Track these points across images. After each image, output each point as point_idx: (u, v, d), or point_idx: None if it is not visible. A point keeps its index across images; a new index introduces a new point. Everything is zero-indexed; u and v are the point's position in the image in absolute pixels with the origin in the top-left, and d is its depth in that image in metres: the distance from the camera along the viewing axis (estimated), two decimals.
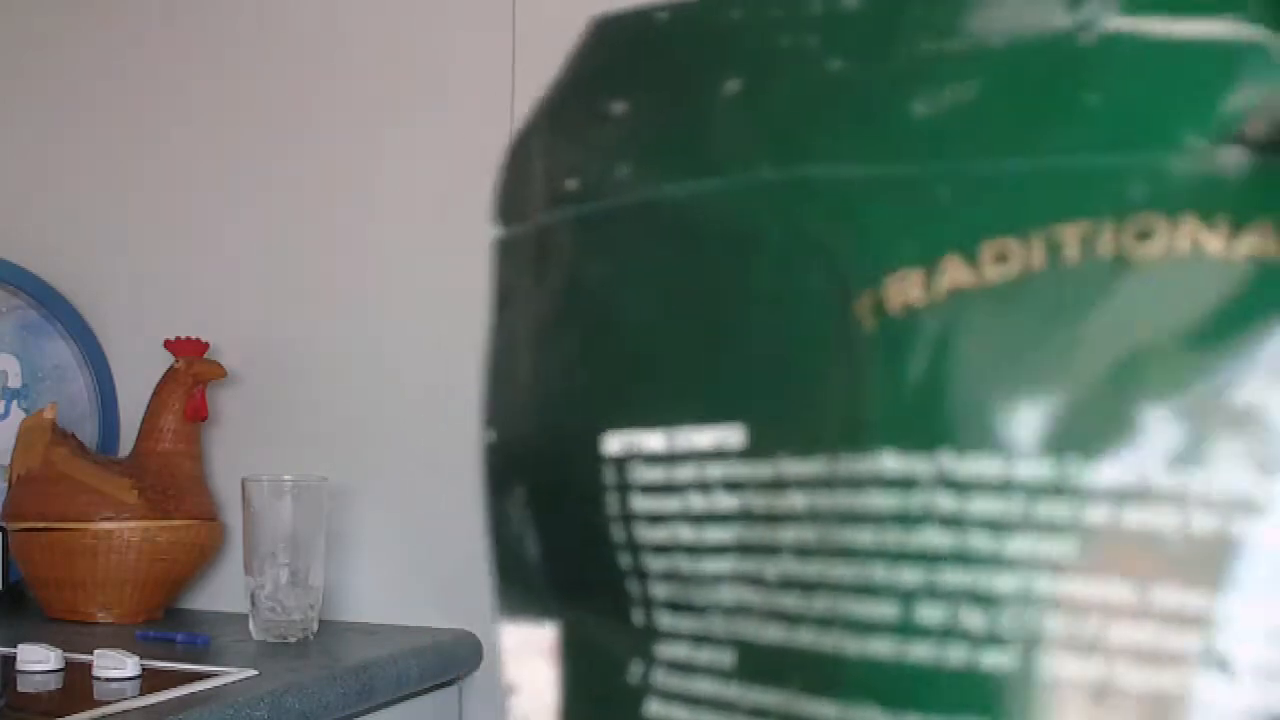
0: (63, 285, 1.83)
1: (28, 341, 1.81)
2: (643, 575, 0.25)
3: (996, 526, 0.21)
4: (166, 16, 1.84)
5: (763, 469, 0.23)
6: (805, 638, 0.22)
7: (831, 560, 0.22)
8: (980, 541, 0.21)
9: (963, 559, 0.21)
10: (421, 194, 1.71)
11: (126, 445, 1.78)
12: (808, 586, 0.22)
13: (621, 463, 0.25)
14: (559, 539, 0.26)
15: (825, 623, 0.21)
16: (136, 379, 1.78)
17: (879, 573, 0.21)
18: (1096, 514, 0.21)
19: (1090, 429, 0.21)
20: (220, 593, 1.76)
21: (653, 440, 0.24)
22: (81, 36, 1.88)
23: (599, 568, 0.25)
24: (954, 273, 0.21)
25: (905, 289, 0.21)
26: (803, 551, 0.22)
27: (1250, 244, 0.21)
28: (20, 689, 1.35)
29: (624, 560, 0.25)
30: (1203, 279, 0.21)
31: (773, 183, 0.22)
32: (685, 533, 0.24)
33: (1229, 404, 0.21)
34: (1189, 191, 0.21)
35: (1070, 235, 0.21)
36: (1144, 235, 0.21)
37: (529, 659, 0.26)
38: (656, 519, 0.24)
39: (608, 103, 0.25)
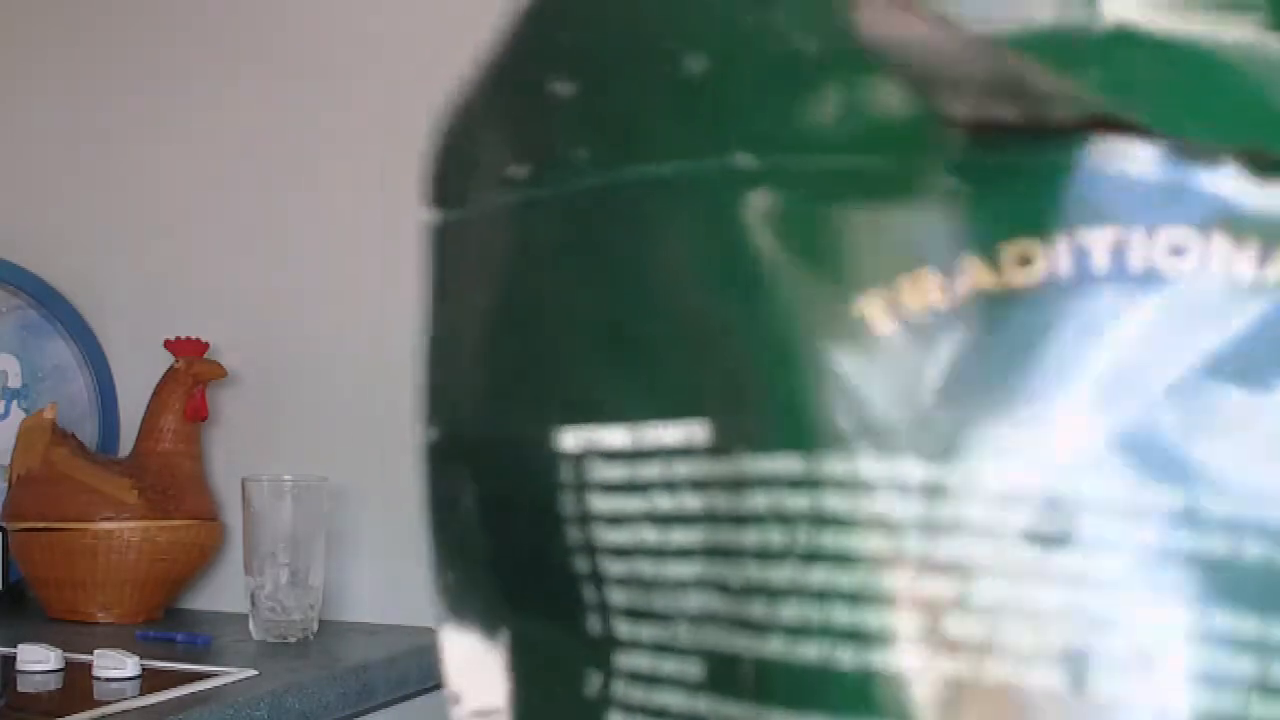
0: (63, 285, 1.83)
1: (28, 341, 1.81)
2: (600, 580, 0.23)
3: (995, 535, 0.20)
4: (167, 17, 1.84)
5: (727, 468, 0.21)
6: (774, 648, 0.21)
7: (803, 565, 0.20)
8: (981, 551, 0.20)
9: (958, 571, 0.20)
10: (424, 192, 1.70)
11: (126, 445, 1.78)
12: (773, 593, 0.21)
13: (579, 460, 0.23)
14: (509, 542, 0.25)
15: (796, 632, 0.20)
16: (136, 379, 1.78)
17: (861, 579, 0.20)
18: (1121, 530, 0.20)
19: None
20: (220, 593, 1.76)
21: (614, 436, 0.23)
22: (81, 36, 1.88)
23: (552, 572, 0.24)
24: (975, 274, 0.21)
25: (923, 291, 0.21)
26: (766, 555, 0.21)
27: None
28: (20, 689, 1.35)
29: (580, 564, 0.23)
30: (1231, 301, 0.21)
31: (746, 171, 0.22)
32: (649, 535, 0.23)
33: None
34: (1215, 208, 0.21)
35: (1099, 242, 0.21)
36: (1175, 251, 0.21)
37: (475, 670, 0.25)
38: (617, 520, 0.23)
39: (556, 82, 0.23)
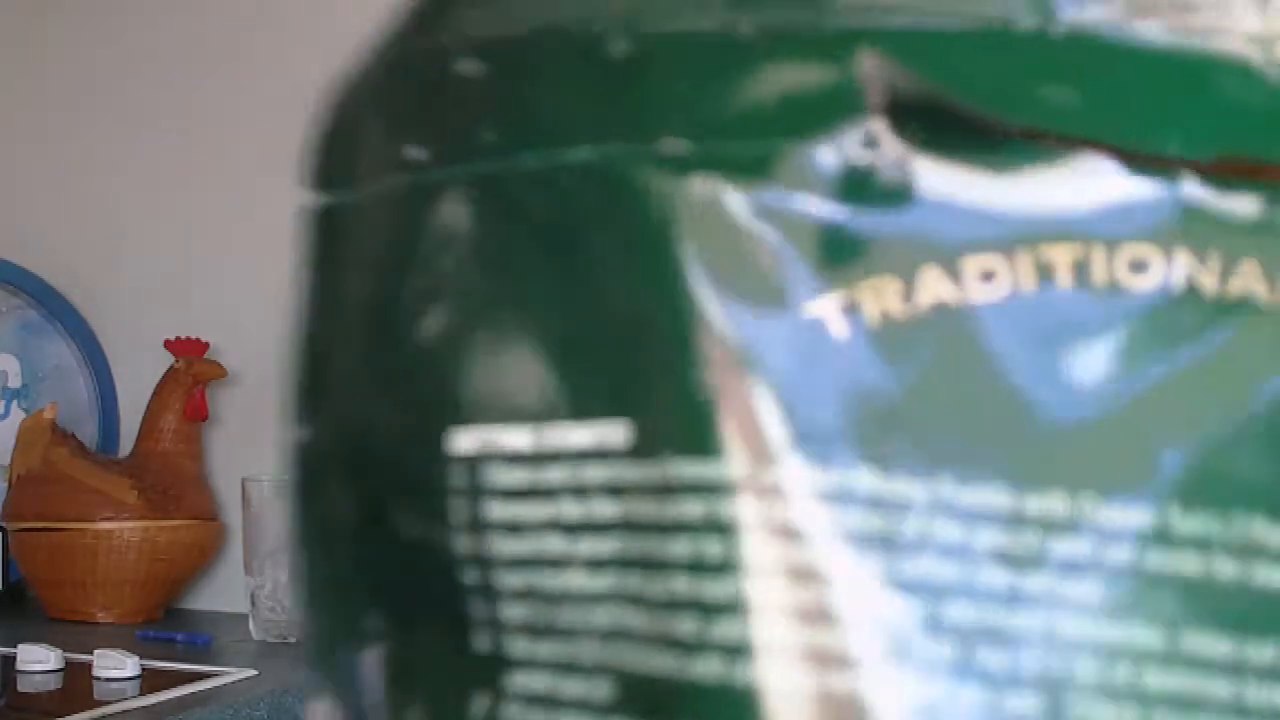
0: (63, 285, 1.83)
1: (28, 341, 1.81)
2: (493, 594, 0.21)
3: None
4: (167, 17, 1.84)
5: (651, 471, 0.20)
6: (702, 668, 0.19)
7: (742, 578, 0.19)
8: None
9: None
10: None
11: (126, 445, 1.78)
12: (705, 609, 0.19)
13: (473, 463, 0.21)
14: (385, 552, 0.23)
15: (734, 651, 0.19)
16: (136, 379, 1.78)
17: (815, 596, 0.19)
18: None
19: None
20: (220, 593, 1.76)
21: (515, 437, 0.21)
22: (80, 37, 1.88)
23: (435, 585, 0.22)
24: (935, 287, 0.20)
25: (882, 298, 0.20)
26: (700, 568, 0.19)
27: (1242, 284, 0.20)
28: (20, 689, 1.35)
29: (469, 576, 0.22)
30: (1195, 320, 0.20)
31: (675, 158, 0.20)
32: (554, 544, 0.21)
33: None
34: (1180, 222, 0.20)
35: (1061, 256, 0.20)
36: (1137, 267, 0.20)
37: (346, 697, 0.23)
38: (516, 528, 0.21)
39: (462, 61, 0.22)
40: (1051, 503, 0.19)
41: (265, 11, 1.79)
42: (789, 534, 0.19)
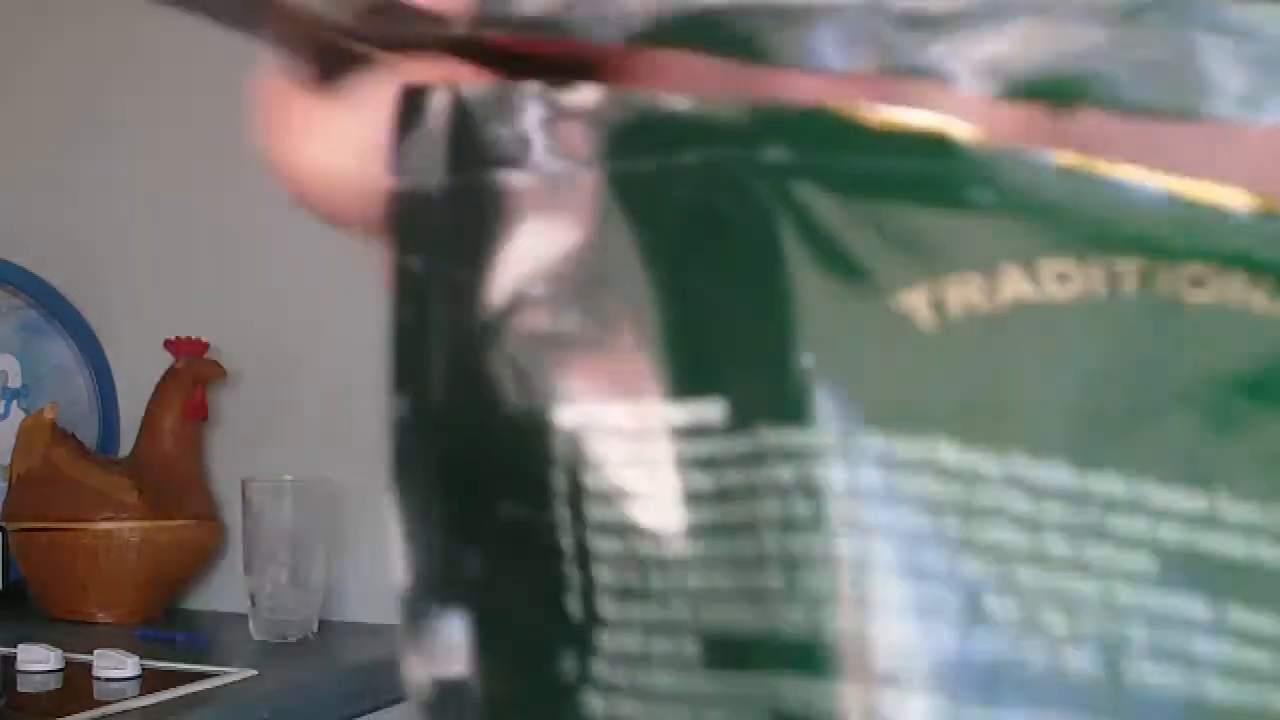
0: (63, 285, 1.83)
1: (28, 341, 1.81)
2: (585, 558, 0.23)
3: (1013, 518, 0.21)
4: (166, 18, 1.84)
5: (742, 443, 0.22)
6: (788, 618, 0.21)
7: (821, 534, 0.21)
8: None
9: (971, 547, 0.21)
10: None
11: (126, 445, 1.78)
12: (793, 563, 0.21)
13: (575, 436, 0.23)
14: (484, 521, 0.25)
15: (815, 601, 0.21)
16: (136, 379, 1.78)
17: (897, 554, 0.21)
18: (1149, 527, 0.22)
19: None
20: (220, 593, 1.76)
21: (616, 413, 0.23)
22: (81, 36, 1.88)
23: (530, 549, 0.24)
24: (1015, 284, 0.21)
25: (966, 292, 0.21)
26: (791, 527, 0.21)
27: None
28: (20, 689, 1.35)
29: (564, 542, 0.23)
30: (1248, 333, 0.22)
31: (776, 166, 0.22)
32: (650, 514, 0.22)
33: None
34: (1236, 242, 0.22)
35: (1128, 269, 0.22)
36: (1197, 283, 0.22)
37: (439, 643, 0.25)
38: (611, 498, 0.23)
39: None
40: (1111, 484, 0.21)
41: None
42: (871, 496, 0.21)
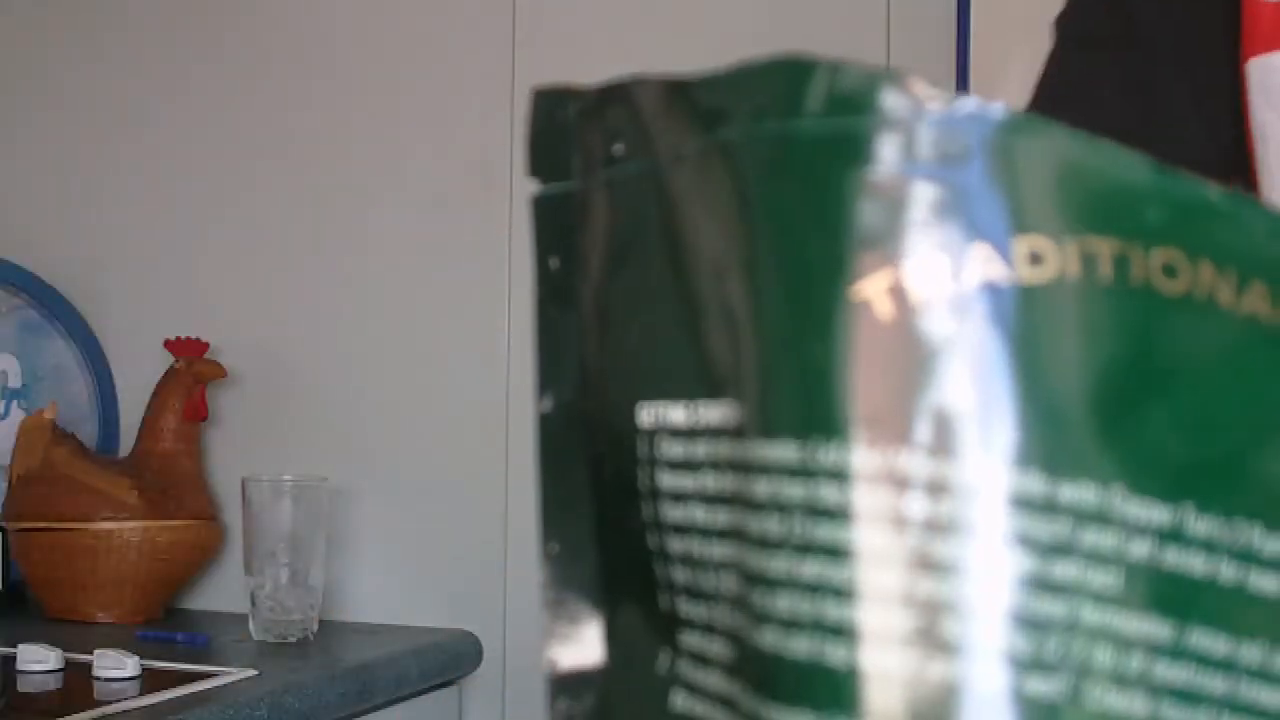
0: (63, 285, 1.83)
1: (28, 341, 1.81)
2: (665, 557, 0.24)
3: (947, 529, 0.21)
4: (165, 19, 1.84)
5: (742, 451, 0.22)
6: (768, 640, 0.21)
7: (798, 557, 0.21)
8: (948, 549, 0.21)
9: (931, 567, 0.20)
10: (421, 191, 1.71)
11: (126, 445, 1.78)
12: (769, 583, 0.21)
13: (651, 436, 0.24)
14: (604, 515, 0.25)
15: (788, 625, 0.21)
16: (136, 379, 1.78)
17: (853, 574, 0.20)
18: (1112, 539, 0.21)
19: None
20: (220, 593, 1.76)
21: (677, 413, 0.23)
22: (81, 38, 1.88)
23: (633, 548, 0.25)
24: (984, 266, 0.21)
25: (929, 277, 0.21)
26: (765, 544, 0.21)
27: (1252, 302, 0.22)
28: (20, 689, 1.35)
29: (651, 540, 0.24)
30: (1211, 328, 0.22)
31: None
32: (699, 514, 0.23)
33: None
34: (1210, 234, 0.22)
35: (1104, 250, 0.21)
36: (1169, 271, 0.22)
37: (573, 636, 0.25)
38: (677, 497, 0.23)
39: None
40: (1083, 493, 0.21)
41: (263, 11, 1.79)
42: (847, 515, 0.21)
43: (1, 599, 1.66)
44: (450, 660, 1.58)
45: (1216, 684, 0.21)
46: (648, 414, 0.24)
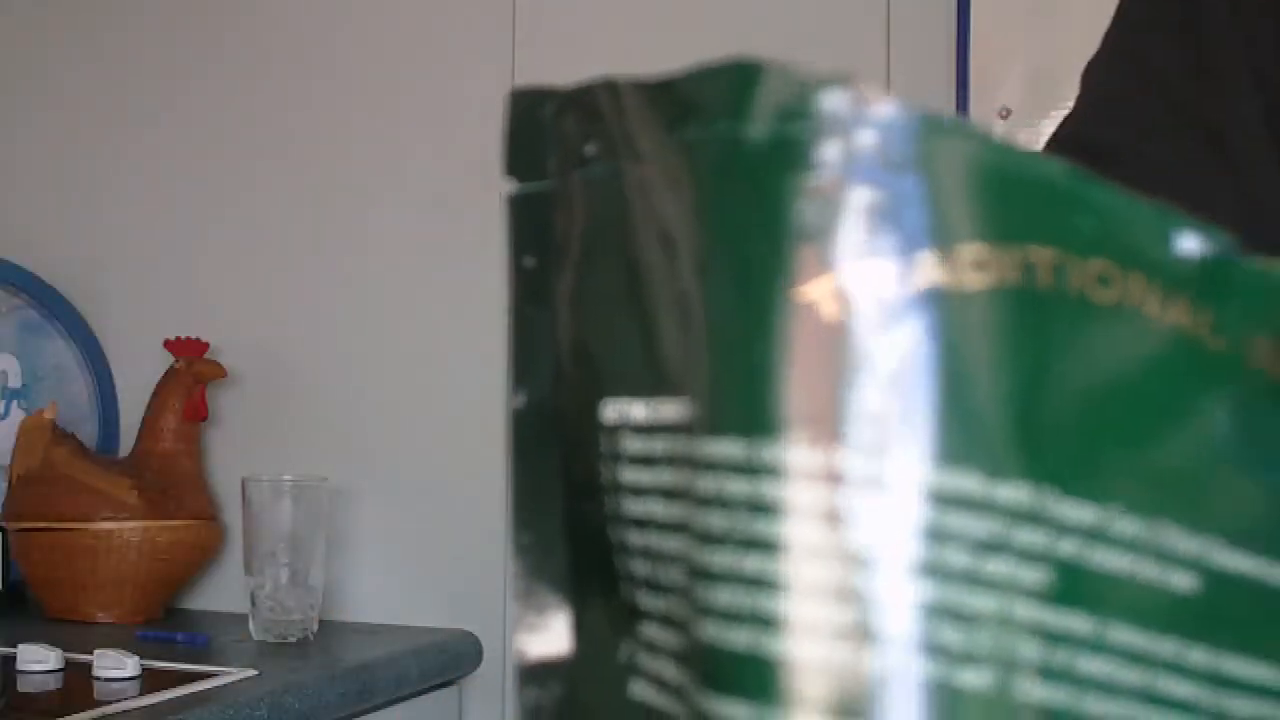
0: (63, 285, 1.83)
1: (28, 341, 1.81)
2: (627, 550, 0.25)
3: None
4: (165, 19, 1.84)
5: (692, 447, 0.22)
6: (710, 632, 0.22)
7: (740, 550, 0.21)
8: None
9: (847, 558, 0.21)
10: (422, 191, 1.71)
11: (126, 445, 1.78)
12: (711, 577, 0.22)
13: (614, 432, 0.25)
14: (572, 509, 0.26)
15: (728, 618, 0.21)
16: (136, 379, 1.78)
17: (789, 568, 0.21)
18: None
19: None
20: (220, 593, 1.76)
21: (637, 410, 0.24)
22: (80, 38, 1.88)
23: (599, 541, 0.25)
24: (929, 271, 0.21)
25: (876, 280, 0.21)
26: (708, 539, 0.22)
27: (1175, 314, 0.23)
28: (20, 689, 1.35)
29: (613, 533, 0.25)
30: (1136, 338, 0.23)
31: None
32: (657, 508, 0.24)
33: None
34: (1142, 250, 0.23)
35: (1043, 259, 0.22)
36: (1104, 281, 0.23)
37: (542, 626, 0.26)
38: (637, 492, 0.24)
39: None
40: (1018, 493, 0.22)
41: (263, 11, 1.79)
42: (785, 511, 0.21)
43: (1, 599, 1.66)
44: (450, 660, 1.58)
45: (1134, 676, 0.23)
46: (612, 410, 0.24)
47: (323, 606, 1.59)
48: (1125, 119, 0.57)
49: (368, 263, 1.73)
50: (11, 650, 1.40)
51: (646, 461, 0.24)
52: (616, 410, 0.24)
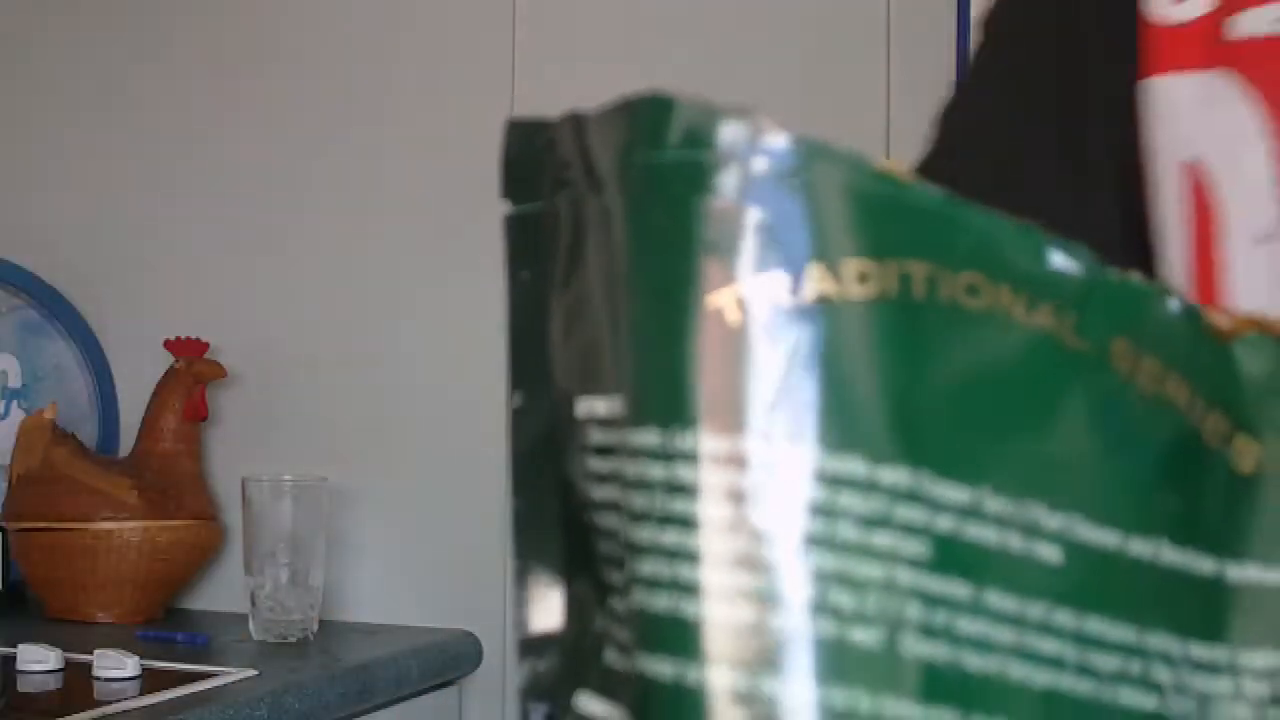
0: (63, 285, 1.83)
1: (28, 341, 1.81)
2: (597, 532, 0.28)
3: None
4: (166, 18, 1.84)
5: (624, 438, 0.26)
6: (637, 598, 0.25)
7: (658, 526, 0.25)
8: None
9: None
10: (421, 192, 1.71)
11: (126, 445, 1.78)
12: (638, 550, 0.25)
13: (584, 425, 0.28)
14: (564, 496, 0.29)
15: (651, 585, 0.25)
16: (136, 379, 1.78)
17: (701, 541, 0.24)
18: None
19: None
20: (220, 593, 1.76)
21: (599, 405, 0.27)
22: (81, 38, 1.88)
23: (581, 524, 0.28)
24: (818, 283, 0.25)
25: (772, 290, 0.25)
26: (635, 517, 0.25)
27: (1041, 318, 0.27)
28: (20, 689, 1.35)
29: (587, 517, 0.28)
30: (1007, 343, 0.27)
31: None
32: (612, 493, 0.27)
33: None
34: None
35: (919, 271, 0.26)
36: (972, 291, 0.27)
37: (541, 601, 0.29)
38: (600, 479, 0.27)
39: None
40: (898, 475, 0.25)
41: (264, 12, 1.79)
42: (697, 491, 0.25)
43: (1, 599, 1.66)
44: (450, 660, 1.58)
45: (1007, 636, 0.26)
46: (582, 406, 0.28)
47: (323, 606, 1.59)
48: (991, 147, 0.62)
49: (368, 263, 1.73)
50: (11, 650, 1.40)
51: (607, 452, 0.27)
52: (585, 406, 0.28)
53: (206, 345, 1.71)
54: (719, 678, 0.24)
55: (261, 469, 1.62)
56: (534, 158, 0.29)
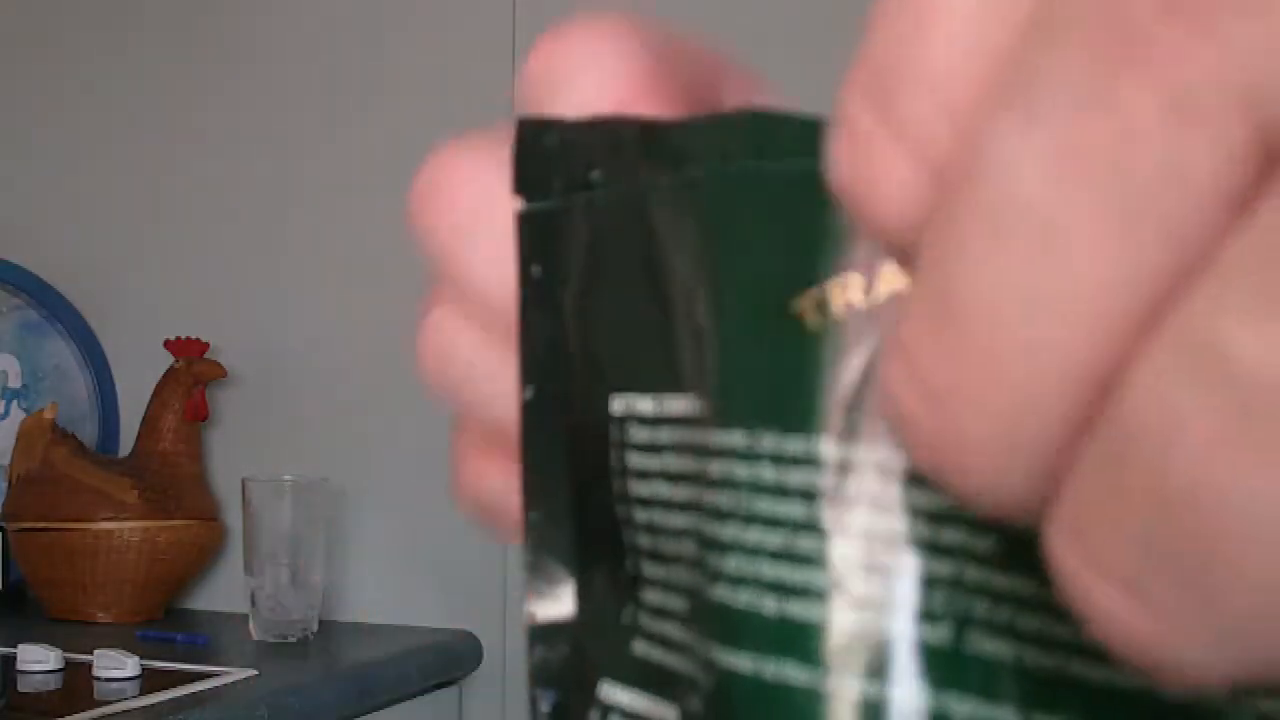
0: (63, 285, 1.83)
1: (28, 341, 1.81)
2: (632, 525, 0.28)
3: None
4: (166, 18, 1.84)
5: (703, 437, 0.26)
6: (719, 593, 0.25)
7: (746, 525, 0.25)
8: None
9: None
10: None
11: (126, 445, 1.78)
12: (722, 547, 0.25)
13: (622, 422, 0.28)
14: (579, 490, 0.30)
15: (735, 581, 0.25)
16: (136, 379, 1.78)
17: (785, 540, 0.25)
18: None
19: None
20: (220, 593, 1.76)
21: (644, 404, 0.28)
22: (81, 38, 1.88)
23: (605, 517, 0.29)
24: (891, 281, 0.25)
25: (847, 291, 0.25)
26: (719, 515, 0.26)
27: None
28: (20, 689, 1.35)
29: (620, 510, 0.28)
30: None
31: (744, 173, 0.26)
32: (661, 489, 0.27)
33: None
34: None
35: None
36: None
37: (550, 592, 0.30)
38: (643, 475, 0.28)
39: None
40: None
41: (264, 12, 1.79)
42: (783, 491, 0.25)
43: (1, 599, 1.66)
44: (450, 660, 1.58)
45: (1066, 632, 0.26)
46: (619, 403, 0.28)
47: (323, 606, 1.59)
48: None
49: (368, 263, 1.73)
50: (11, 650, 1.40)
51: (652, 448, 0.27)
52: (624, 403, 0.28)
53: (206, 345, 1.71)
54: (812, 677, 0.24)
55: (261, 469, 1.62)
56: (546, 156, 0.29)
